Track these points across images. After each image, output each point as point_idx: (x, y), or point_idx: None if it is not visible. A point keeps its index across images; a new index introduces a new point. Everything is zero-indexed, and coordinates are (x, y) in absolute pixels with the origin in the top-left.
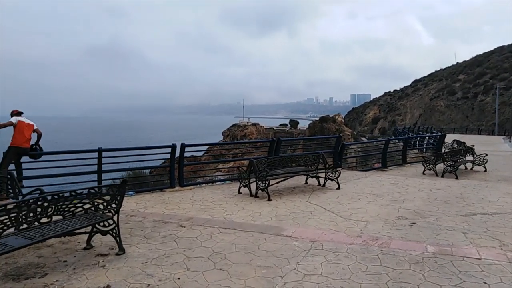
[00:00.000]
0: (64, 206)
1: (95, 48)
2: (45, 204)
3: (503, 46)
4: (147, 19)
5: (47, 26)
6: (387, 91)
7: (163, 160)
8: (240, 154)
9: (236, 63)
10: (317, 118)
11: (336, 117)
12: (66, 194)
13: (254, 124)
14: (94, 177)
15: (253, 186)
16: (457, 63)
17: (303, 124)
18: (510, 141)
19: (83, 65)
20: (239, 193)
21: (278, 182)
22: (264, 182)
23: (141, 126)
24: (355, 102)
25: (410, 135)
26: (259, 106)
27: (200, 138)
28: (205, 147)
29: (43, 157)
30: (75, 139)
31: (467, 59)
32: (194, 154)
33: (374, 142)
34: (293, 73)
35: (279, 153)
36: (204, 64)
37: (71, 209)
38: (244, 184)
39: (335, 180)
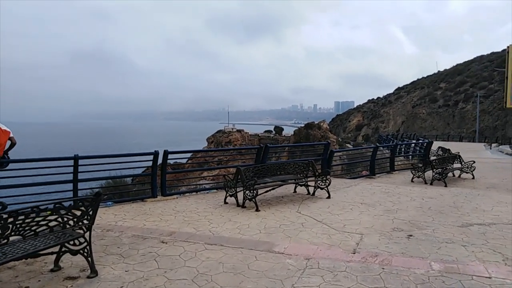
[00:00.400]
0: (24, 225)
1: (81, 53)
2: (0, 223)
3: (482, 56)
4: (134, 25)
5: (31, 29)
6: (370, 98)
7: (145, 168)
8: (224, 162)
9: (222, 69)
10: (302, 125)
11: (321, 123)
12: (28, 211)
13: (239, 131)
14: (70, 186)
15: (240, 195)
16: (439, 71)
17: (288, 131)
18: (491, 148)
19: (69, 70)
20: (225, 203)
21: (266, 191)
22: (252, 191)
23: (127, 132)
24: (339, 109)
25: (396, 142)
26: (244, 113)
27: (186, 144)
28: (189, 154)
29: (15, 165)
30: (59, 145)
31: (448, 67)
32: (178, 161)
33: (362, 149)
34: (279, 80)
35: (266, 161)
36: (190, 70)
37: (33, 228)
38: (230, 193)
39: (325, 188)
